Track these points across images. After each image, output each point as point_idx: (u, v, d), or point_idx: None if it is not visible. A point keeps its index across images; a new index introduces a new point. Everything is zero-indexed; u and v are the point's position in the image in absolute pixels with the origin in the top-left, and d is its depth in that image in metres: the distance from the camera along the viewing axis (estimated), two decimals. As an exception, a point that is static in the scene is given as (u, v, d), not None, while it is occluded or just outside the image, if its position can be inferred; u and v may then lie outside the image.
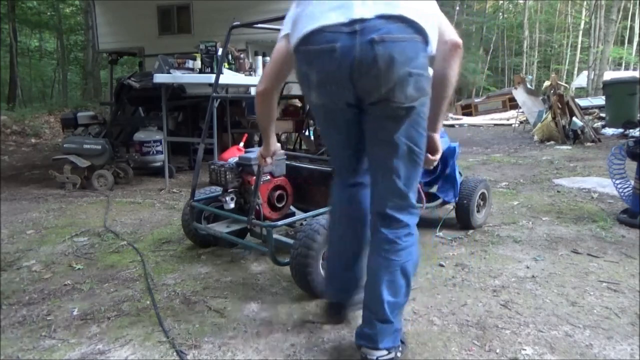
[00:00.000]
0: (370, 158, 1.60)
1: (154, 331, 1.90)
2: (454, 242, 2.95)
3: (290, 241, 2.25)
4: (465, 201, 3.10)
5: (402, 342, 1.64)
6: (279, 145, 1.98)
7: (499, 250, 2.79)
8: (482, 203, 3.25)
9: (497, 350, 1.71)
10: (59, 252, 2.92)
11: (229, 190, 2.66)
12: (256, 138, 6.23)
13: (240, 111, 6.72)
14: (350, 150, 1.66)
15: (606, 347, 1.73)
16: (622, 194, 3.47)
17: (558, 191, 4.34)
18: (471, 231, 3.14)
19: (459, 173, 3.18)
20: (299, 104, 6.82)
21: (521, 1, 32.78)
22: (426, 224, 3.21)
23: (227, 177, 2.65)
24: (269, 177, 2.64)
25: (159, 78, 4.53)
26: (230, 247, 2.86)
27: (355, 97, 1.42)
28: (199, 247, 2.87)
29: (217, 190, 2.81)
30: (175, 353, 1.73)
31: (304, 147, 6.86)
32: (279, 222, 2.39)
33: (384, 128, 1.45)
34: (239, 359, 1.70)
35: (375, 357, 1.52)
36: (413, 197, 1.55)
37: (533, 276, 2.39)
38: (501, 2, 34.58)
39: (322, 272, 2.11)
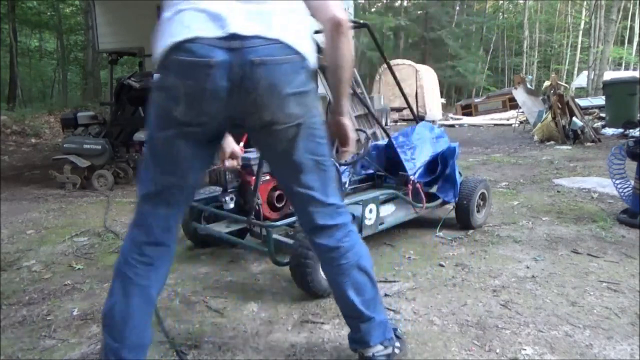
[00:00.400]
0: (280, 181, 1.54)
1: (154, 331, 1.89)
2: (454, 242, 2.95)
3: (290, 241, 2.25)
4: (465, 201, 3.10)
5: (399, 337, 1.64)
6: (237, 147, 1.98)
7: (499, 250, 2.79)
8: (482, 203, 3.25)
9: (497, 350, 1.71)
10: (59, 252, 2.92)
11: (229, 190, 2.66)
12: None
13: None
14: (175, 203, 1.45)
15: (606, 347, 1.73)
16: (622, 194, 3.46)
17: (558, 191, 4.34)
18: (471, 231, 3.13)
19: (459, 173, 3.18)
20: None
21: (521, 1, 32.79)
22: (426, 224, 3.22)
23: (227, 177, 2.65)
24: (268, 177, 2.64)
25: (159, 78, 4.52)
26: (230, 247, 2.86)
27: (230, 118, 1.33)
28: (199, 247, 2.87)
29: (217, 190, 2.81)
30: (175, 353, 1.73)
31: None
32: (279, 222, 2.39)
33: (281, 151, 1.38)
34: (239, 359, 1.70)
35: (371, 354, 1.53)
36: (336, 199, 1.49)
37: (533, 276, 2.39)
38: (501, 2, 34.59)
39: (321, 272, 2.12)
